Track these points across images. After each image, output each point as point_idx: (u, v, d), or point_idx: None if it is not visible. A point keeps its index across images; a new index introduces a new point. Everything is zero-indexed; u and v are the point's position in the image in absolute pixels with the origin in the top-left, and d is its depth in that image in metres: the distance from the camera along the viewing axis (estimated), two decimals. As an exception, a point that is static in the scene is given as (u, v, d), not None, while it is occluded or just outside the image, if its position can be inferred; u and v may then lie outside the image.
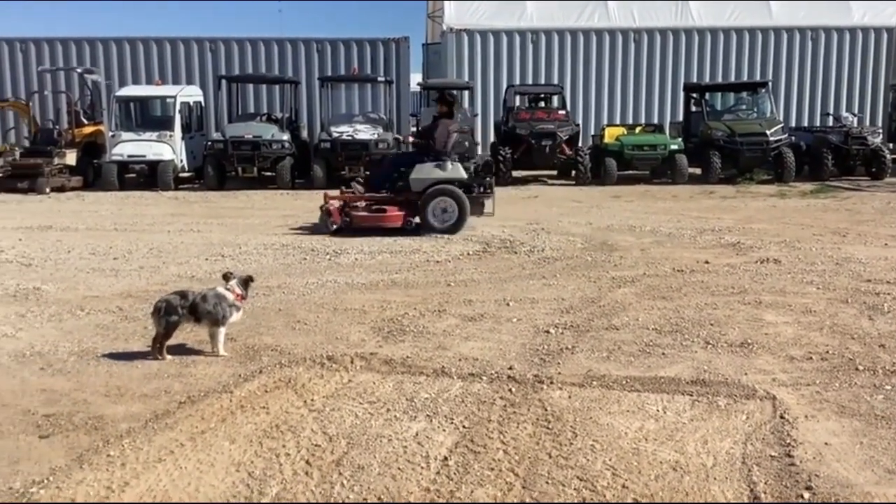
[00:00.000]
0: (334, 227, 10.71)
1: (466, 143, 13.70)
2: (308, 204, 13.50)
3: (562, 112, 19.18)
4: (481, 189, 10.91)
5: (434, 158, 10.68)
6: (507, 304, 6.84)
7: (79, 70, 20.10)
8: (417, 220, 10.75)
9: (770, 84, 20.07)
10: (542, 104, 19.79)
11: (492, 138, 20.53)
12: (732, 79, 22.24)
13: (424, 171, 10.65)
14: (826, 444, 3.96)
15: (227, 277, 5.63)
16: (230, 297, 5.47)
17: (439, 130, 10.78)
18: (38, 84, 20.65)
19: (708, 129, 18.30)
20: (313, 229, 11.14)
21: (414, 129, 20.71)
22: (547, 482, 3.55)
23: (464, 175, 10.73)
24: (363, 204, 10.90)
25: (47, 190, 16.61)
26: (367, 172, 13.21)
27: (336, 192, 11.67)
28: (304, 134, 20.27)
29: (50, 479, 3.63)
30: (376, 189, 10.98)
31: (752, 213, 13.02)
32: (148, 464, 3.75)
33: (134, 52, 21.54)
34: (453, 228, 10.55)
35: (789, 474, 3.63)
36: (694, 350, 5.50)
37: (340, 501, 3.42)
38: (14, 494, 3.48)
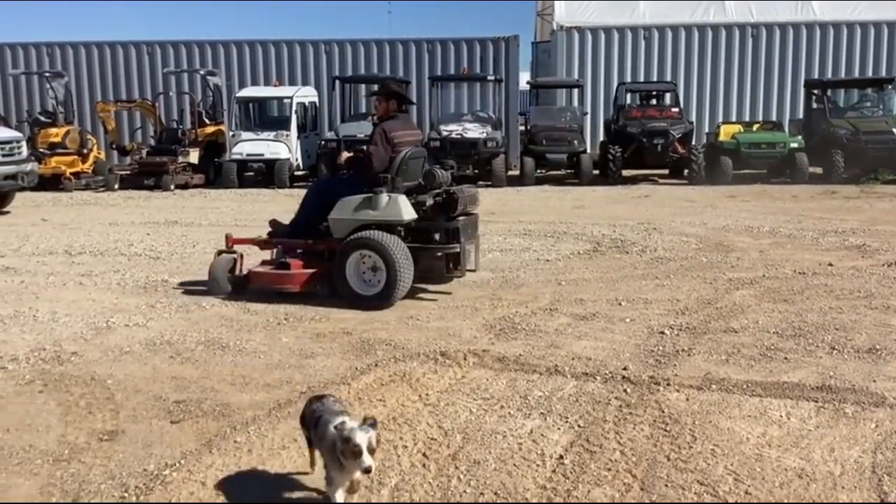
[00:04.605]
0: (228, 287, 7.31)
1: (424, 160, 7.61)
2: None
3: (674, 109, 18.76)
4: (444, 237, 7.02)
5: (368, 188, 6.96)
6: (620, 304, 6.76)
7: (201, 72, 20.94)
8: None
9: (897, 80, 19.12)
10: (654, 102, 19.42)
11: (601, 137, 20.28)
12: (856, 75, 21.28)
13: (347, 209, 6.99)
14: (965, 457, 3.76)
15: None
16: (339, 444, 3.17)
17: (374, 140, 7.14)
18: (164, 85, 21.64)
19: (830, 126, 17.55)
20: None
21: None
22: (666, 485, 3.50)
23: (404, 215, 6.84)
24: (274, 254, 7.45)
25: (172, 187, 17.40)
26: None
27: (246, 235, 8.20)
28: (414, 132, 20.50)
29: (181, 462, 3.80)
30: (302, 230, 7.35)
31: (877, 214, 12.42)
32: (273, 451, 3.90)
33: (253, 54, 22.34)
34: (381, 298, 6.74)
35: (924, 486, 3.47)
36: (818, 355, 5.30)
37: (458, 501, 3.47)
38: (148, 476, 3.67)
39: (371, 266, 6.79)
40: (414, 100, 21.14)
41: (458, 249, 6.96)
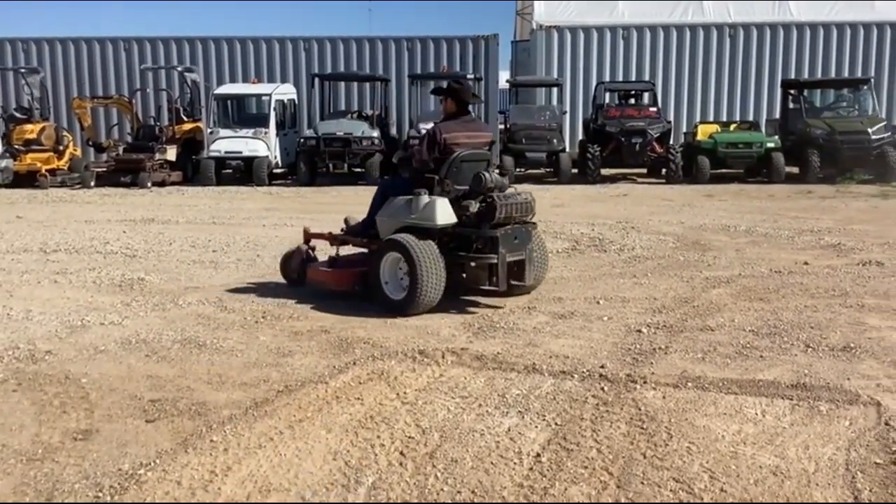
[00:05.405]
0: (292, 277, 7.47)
1: (490, 165, 7.09)
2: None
3: (653, 109, 18.88)
4: (483, 245, 6.56)
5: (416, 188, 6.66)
6: (598, 303, 6.78)
7: (179, 69, 20.79)
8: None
9: (872, 81, 19.31)
10: (633, 101, 19.52)
11: (580, 136, 20.35)
12: (832, 75, 21.50)
13: (391, 210, 6.83)
14: (936, 453, 3.80)
15: None
16: None
17: (421, 140, 7.01)
18: (141, 82, 21.46)
19: (807, 126, 17.72)
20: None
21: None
22: (642, 482, 3.51)
23: (438, 219, 6.47)
24: (338, 251, 7.44)
25: (149, 184, 17.27)
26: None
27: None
28: (394, 130, 20.53)
29: (157, 461, 3.77)
30: (368, 230, 7.15)
31: (852, 213, 12.56)
32: (249, 450, 3.87)
33: (231, 50, 22.22)
34: (404, 303, 6.42)
35: (895, 482, 3.50)
36: (793, 353, 5.35)
37: (434, 501, 3.46)
38: (123, 475, 3.63)
39: (407, 271, 6.41)
40: (393, 98, 21.25)
41: (493, 260, 6.48)
